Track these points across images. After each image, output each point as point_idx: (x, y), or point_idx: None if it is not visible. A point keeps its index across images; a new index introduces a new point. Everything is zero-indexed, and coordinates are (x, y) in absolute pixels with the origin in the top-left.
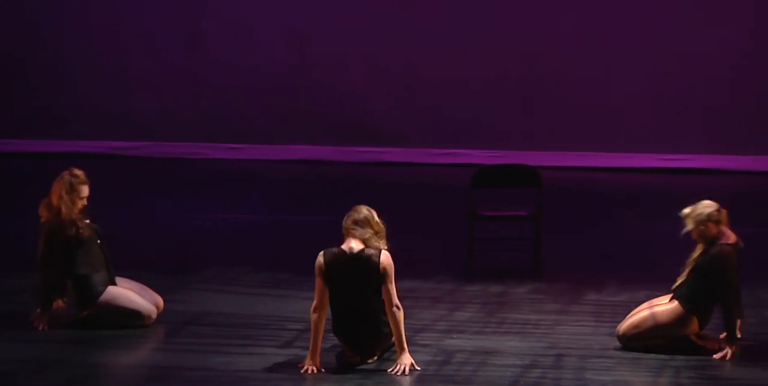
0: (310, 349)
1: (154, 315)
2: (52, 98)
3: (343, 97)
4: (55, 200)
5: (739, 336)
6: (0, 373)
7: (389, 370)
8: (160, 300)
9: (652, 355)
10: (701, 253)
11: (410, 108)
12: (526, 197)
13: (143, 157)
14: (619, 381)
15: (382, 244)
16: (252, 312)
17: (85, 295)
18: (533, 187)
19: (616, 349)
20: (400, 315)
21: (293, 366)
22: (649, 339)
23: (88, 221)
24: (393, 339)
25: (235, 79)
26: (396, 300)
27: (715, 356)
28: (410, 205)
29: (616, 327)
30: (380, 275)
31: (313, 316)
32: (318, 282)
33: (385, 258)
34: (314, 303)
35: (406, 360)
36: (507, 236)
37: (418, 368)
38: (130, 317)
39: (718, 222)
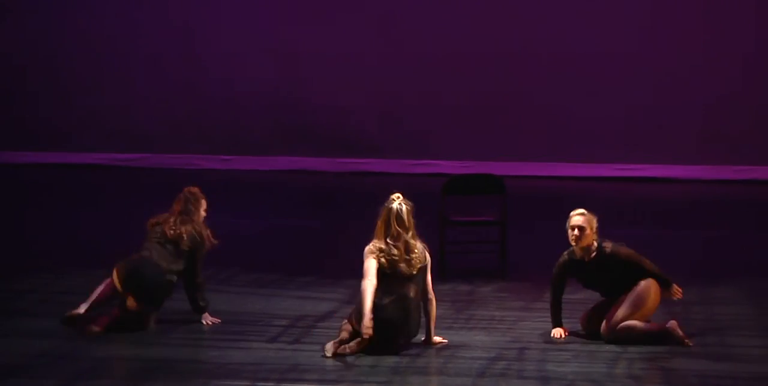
0: (365, 312)
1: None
2: (56, 112)
3: (325, 112)
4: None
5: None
6: (13, 366)
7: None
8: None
9: (607, 347)
10: (596, 255)
11: (387, 122)
12: (493, 204)
13: (143, 167)
14: (578, 372)
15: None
16: (242, 309)
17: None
18: (499, 194)
19: (574, 343)
20: (434, 301)
21: (280, 358)
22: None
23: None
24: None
25: (230, 96)
26: (432, 289)
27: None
28: None
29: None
30: (423, 266)
31: (364, 282)
32: (369, 263)
33: (427, 252)
34: (366, 277)
35: (439, 338)
36: (475, 239)
37: (445, 341)
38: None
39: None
